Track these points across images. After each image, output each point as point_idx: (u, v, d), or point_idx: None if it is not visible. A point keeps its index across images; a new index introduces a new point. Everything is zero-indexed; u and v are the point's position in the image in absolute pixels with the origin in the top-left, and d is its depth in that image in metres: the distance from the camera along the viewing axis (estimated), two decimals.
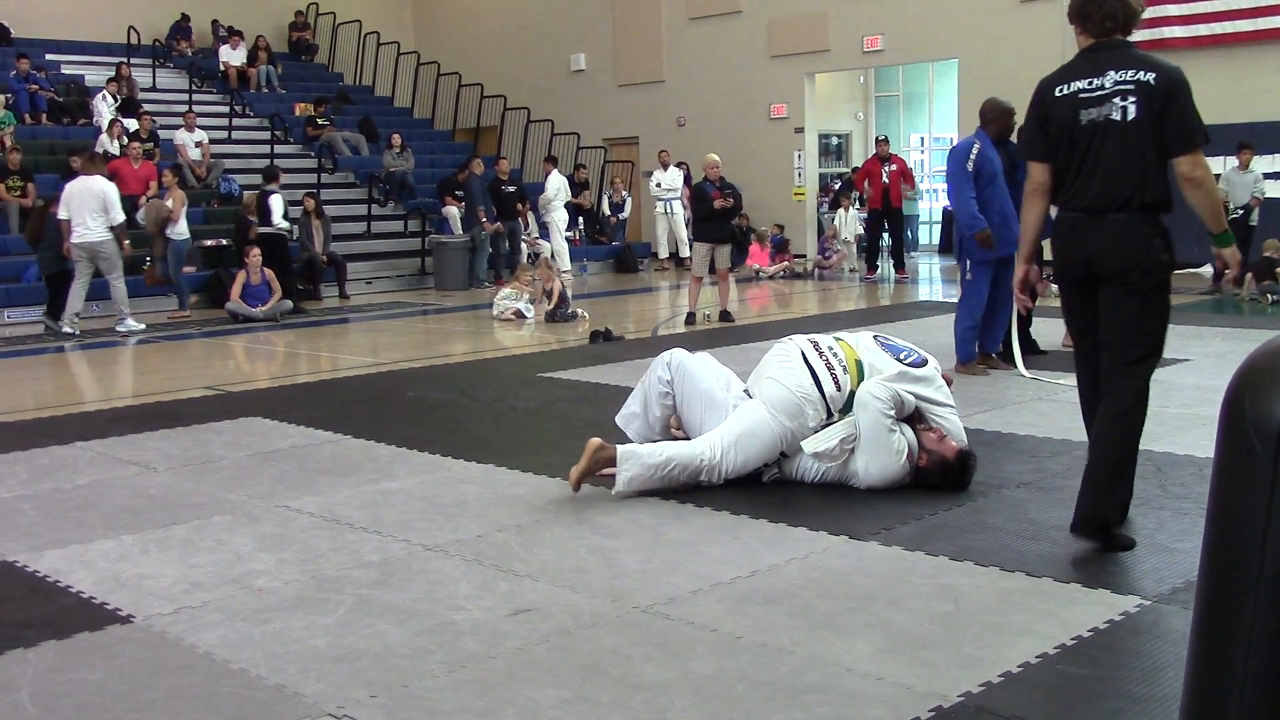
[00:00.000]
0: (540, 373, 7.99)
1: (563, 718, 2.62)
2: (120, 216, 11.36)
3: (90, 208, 11.08)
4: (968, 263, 7.19)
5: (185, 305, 12.90)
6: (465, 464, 5.20)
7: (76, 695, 2.83)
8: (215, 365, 9.42)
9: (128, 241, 11.65)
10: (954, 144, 7.84)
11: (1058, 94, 3.80)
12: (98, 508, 4.64)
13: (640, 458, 4.46)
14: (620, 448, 4.50)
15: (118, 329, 11.43)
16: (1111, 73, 3.69)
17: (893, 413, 4.45)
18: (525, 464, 5.12)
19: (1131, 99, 3.66)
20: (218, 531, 4.23)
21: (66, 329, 11.22)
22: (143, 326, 11.52)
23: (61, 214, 11.23)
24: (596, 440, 4.49)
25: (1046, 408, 6.15)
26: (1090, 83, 3.74)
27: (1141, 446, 5.12)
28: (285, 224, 13.76)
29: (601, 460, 4.47)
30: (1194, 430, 5.42)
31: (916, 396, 4.55)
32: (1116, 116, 3.68)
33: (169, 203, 13.05)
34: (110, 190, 11.28)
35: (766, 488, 4.57)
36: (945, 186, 20.72)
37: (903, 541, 3.83)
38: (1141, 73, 3.66)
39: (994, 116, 7.19)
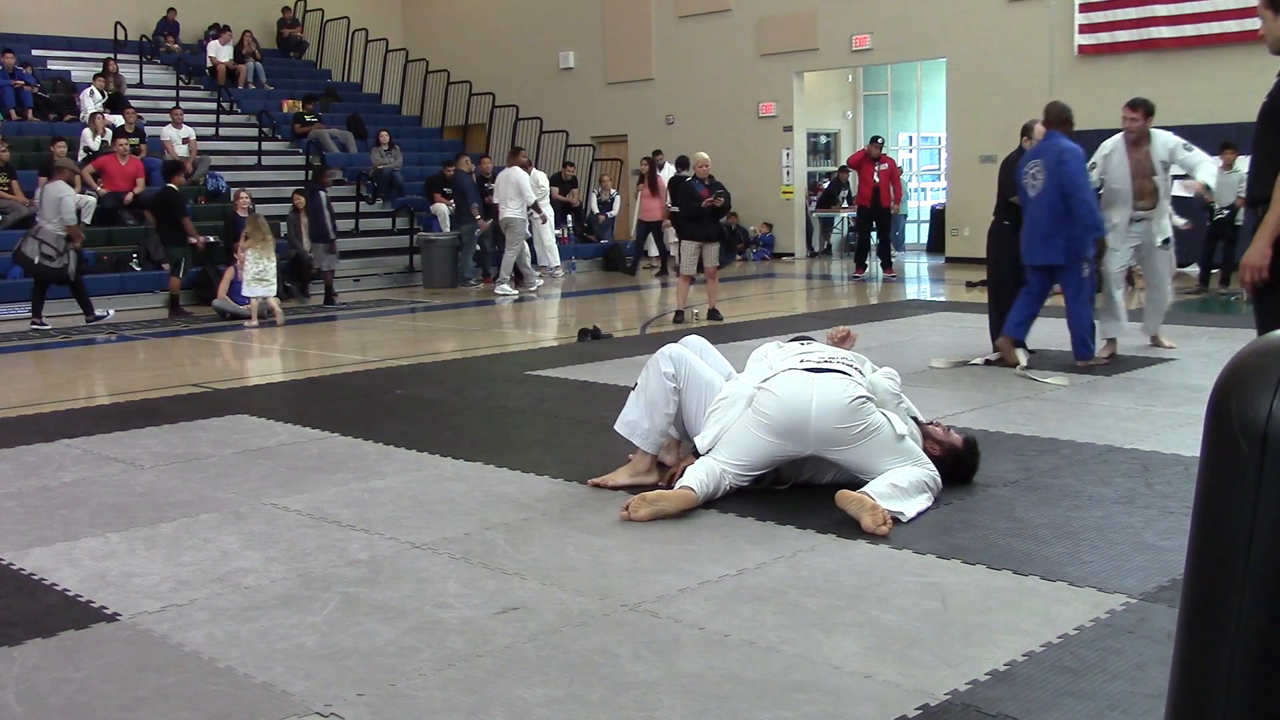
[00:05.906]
0: (529, 370, 7.98)
1: (551, 716, 2.62)
2: (532, 197, 14.38)
3: (509, 194, 14.24)
4: (1085, 266, 7.13)
5: None
6: (453, 462, 5.20)
7: (63, 694, 2.82)
8: (202, 362, 9.39)
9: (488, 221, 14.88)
10: (1024, 146, 7.60)
11: None
12: (84, 505, 4.62)
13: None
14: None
15: (495, 291, 14.13)
16: None
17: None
18: (514, 462, 5.12)
19: None
20: (204, 529, 4.22)
21: (538, 280, 14.73)
22: (516, 294, 13.87)
23: (496, 198, 14.70)
24: (692, 495, 4.22)
25: (1034, 406, 6.16)
26: None
27: (1128, 445, 5.17)
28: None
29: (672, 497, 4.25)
30: (1180, 429, 5.45)
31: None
32: None
33: None
34: (522, 179, 14.32)
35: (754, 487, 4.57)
36: (935, 184, 20.87)
37: (890, 540, 3.83)
38: None
39: (1065, 118, 7.12)
